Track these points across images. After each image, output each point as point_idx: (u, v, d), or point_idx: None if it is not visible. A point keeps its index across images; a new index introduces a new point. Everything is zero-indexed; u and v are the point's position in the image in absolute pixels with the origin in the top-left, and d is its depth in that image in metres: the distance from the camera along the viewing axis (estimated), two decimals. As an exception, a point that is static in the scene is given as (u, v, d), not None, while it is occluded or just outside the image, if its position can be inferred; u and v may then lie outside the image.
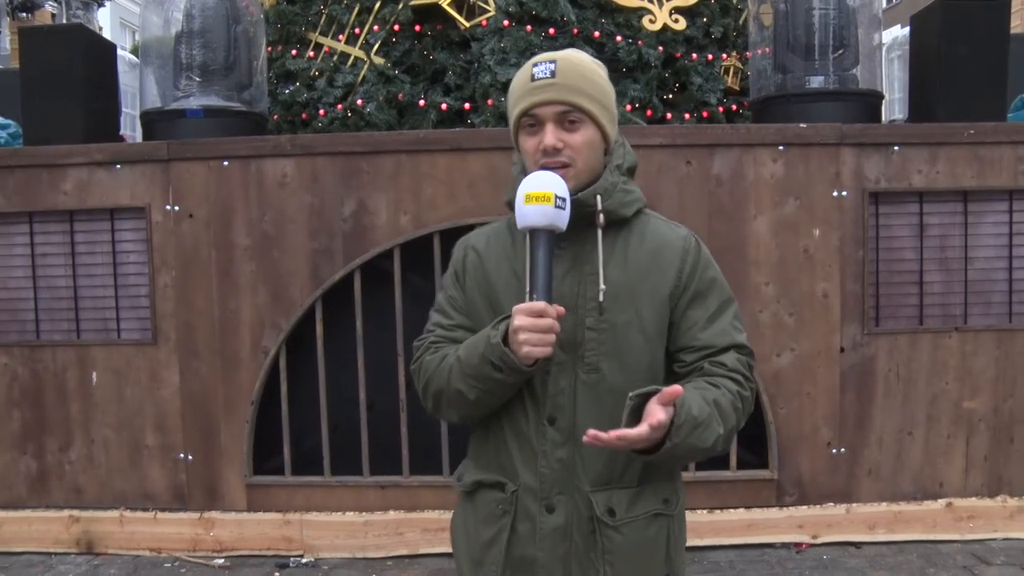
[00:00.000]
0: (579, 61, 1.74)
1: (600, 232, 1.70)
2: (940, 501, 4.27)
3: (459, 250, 1.87)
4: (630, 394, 1.57)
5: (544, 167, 1.69)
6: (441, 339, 1.81)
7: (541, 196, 1.61)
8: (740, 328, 1.81)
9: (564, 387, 1.70)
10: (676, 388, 1.53)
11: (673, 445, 1.56)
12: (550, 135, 1.69)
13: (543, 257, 1.61)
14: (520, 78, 1.75)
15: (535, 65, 1.72)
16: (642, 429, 1.51)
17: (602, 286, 1.67)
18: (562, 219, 1.62)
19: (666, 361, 1.78)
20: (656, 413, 1.52)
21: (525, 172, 1.73)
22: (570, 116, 1.70)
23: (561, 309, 1.61)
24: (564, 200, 1.62)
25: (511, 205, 1.71)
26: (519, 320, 1.58)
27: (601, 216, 1.70)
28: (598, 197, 1.70)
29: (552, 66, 1.70)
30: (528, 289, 1.63)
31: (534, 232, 1.63)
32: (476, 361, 1.66)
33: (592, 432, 1.51)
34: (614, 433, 1.51)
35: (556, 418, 1.70)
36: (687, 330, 1.75)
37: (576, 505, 1.71)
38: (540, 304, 1.58)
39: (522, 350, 1.59)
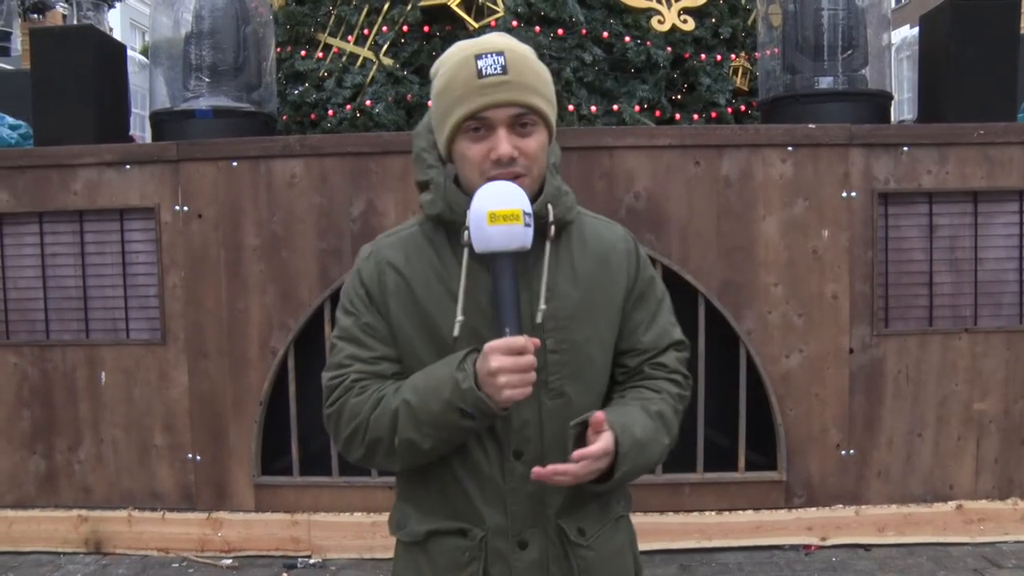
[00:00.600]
0: (525, 52, 1.52)
1: (549, 245, 1.51)
2: (950, 503, 4.25)
3: (369, 266, 1.59)
4: (571, 423, 1.49)
5: (493, 179, 1.46)
6: (364, 375, 1.55)
7: (509, 215, 1.38)
8: (674, 322, 1.71)
9: (528, 418, 1.53)
10: (599, 415, 1.45)
11: (623, 473, 1.49)
12: (504, 143, 1.46)
13: (510, 283, 1.41)
14: (461, 72, 1.47)
15: (479, 57, 1.46)
16: (584, 464, 1.43)
17: (542, 305, 1.48)
18: (529, 238, 1.42)
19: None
20: (597, 441, 1.44)
21: (457, 184, 1.54)
22: (523, 119, 1.48)
23: (537, 341, 1.42)
24: (530, 216, 1.42)
25: (442, 219, 1.55)
26: (497, 361, 1.39)
27: (552, 228, 1.51)
28: (550, 207, 1.51)
29: (502, 59, 1.46)
30: (499, 322, 1.42)
31: (497, 256, 1.41)
32: (438, 408, 1.44)
33: (538, 472, 1.43)
34: (559, 467, 1.43)
35: (522, 452, 1.54)
36: (631, 333, 1.64)
37: (547, 535, 1.58)
38: (520, 340, 1.39)
39: (502, 394, 1.40)
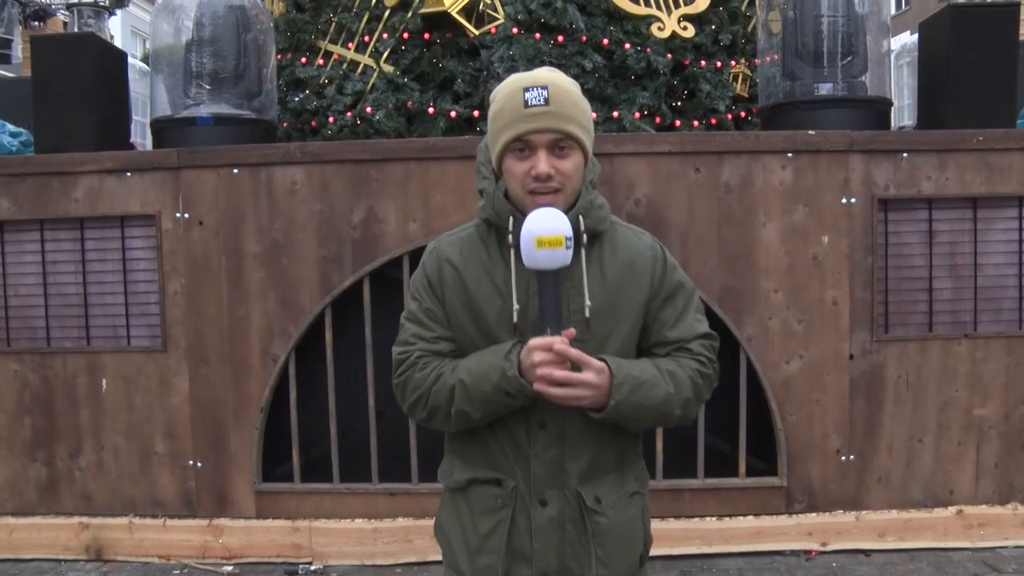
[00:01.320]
0: (568, 88, 1.79)
1: (584, 252, 1.79)
2: (951, 509, 4.25)
3: (432, 260, 1.91)
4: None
5: (533, 192, 1.76)
6: (426, 352, 1.87)
7: (554, 241, 1.66)
8: (701, 319, 1.96)
9: None
10: (568, 331, 1.72)
11: (617, 402, 1.74)
12: (543, 163, 1.75)
13: (551, 293, 1.71)
14: (511, 101, 1.77)
15: (527, 90, 1.75)
16: (578, 374, 1.72)
17: (587, 302, 1.78)
18: (569, 257, 1.70)
19: (637, 354, 1.91)
20: (589, 362, 1.72)
21: (504, 193, 1.82)
22: (561, 143, 1.76)
23: (573, 331, 1.72)
24: (571, 239, 1.69)
25: (490, 223, 1.85)
26: (539, 356, 1.70)
27: (585, 236, 1.79)
28: (580, 218, 1.79)
29: (545, 92, 1.74)
30: (541, 323, 1.73)
31: (542, 271, 1.70)
32: (488, 389, 1.76)
33: (539, 384, 1.71)
34: (565, 350, 1.69)
35: (547, 423, 1.83)
36: (659, 329, 1.90)
37: (566, 498, 1.85)
38: (556, 340, 1.69)
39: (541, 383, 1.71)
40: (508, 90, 1.80)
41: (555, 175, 1.76)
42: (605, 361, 1.76)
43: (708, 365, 1.92)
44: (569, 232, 1.68)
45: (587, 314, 1.78)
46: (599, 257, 1.85)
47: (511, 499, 1.86)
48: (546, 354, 1.70)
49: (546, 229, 1.67)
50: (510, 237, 1.78)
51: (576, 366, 1.74)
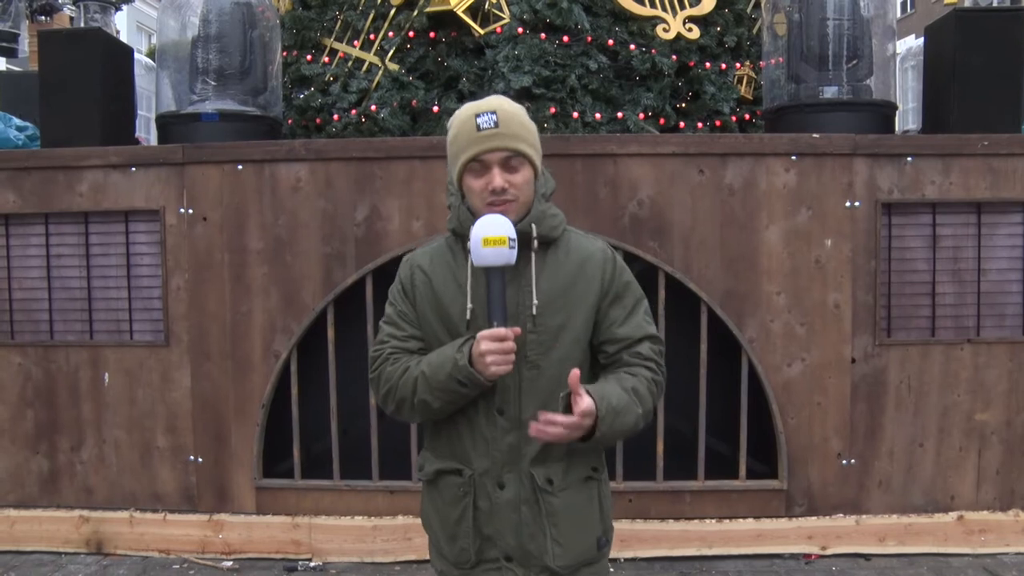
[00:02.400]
0: (514, 111, 2.01)
1: (534, 255, 2.00)
2: (951, 514, 4.24)
3: (405, 268, 2.14)
4: (561, 395, 1.91)
5: (492, 204, 1.97)
6: (397, 350, 2.08)
7: (497, 240, 1.87)
8: (650, 321, 2.12)
9: (510, 383, 1.99)
10: (575, 372, 1.87)
11: (602, 434, 1.91)
12: (498, 178, 1.96)
13: (498, 289, 1.90)
14: (465, 127, 1.99)
15: (478, 115, 1.97)
16: (572, 418, 1.86)
17: (535, 300, 1.98)
18: (513, 256, 1.90)
19: (590, 352, 2.10)
20: (580, 404, 1.86)
21: (467, 207, 2.03)
22: (512, 160, 1.98)
23: (518, 330, 1.93)
24: (514, 240, 1.89)
25: (456, 232, 2.05)
26: (485, 345, 1.88)
27: (535, 241, 2.00)
28: (533, 226, 2.00)
29: (495, 116, 1.96)
30: (489, 316, 1.91)
31: (489, 268, 1.89)
32: (443, 378, 1.95)
33: (536, 427, 1.88)
34: (554, 417, 1.86)
35: (504, 409, 2.01)
36: (608, 327, 2.07)
37: (521, 480, 2.02)
38: (502, 331, 1.88)
39: (488, 370, 1.90)
40: (461, 118, 2.02)
41: (509, 188, 1.97)
42: (592, 397, 1.89)
43: (658, 371, 2.08)
44: (512, 234, 1.89)
45: (534, 312, 1.97)
46: (554, 260, 2.05)
47: (470, 486, 2.04)
48: (492, 343, 1.88)
49: (490, 230, 1.87)
50: (469, 244, 1.94)
51: (529, 341, 1.99)
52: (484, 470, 2.03)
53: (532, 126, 2.04)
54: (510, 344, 1.90)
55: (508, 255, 1.88)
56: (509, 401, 2.01)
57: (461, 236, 2.03)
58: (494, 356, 1.88)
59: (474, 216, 1.97)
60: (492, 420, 2.02)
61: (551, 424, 1.87)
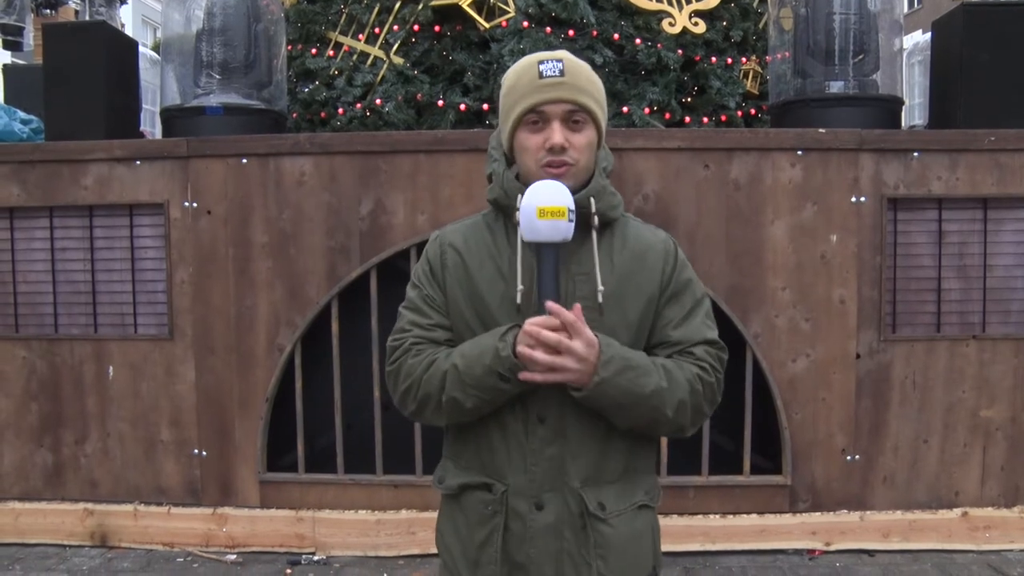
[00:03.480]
0: (582, 63, 1.77)
1: (595, 234, 1.72)
2: (956, 510, 4.24)
3: (434, 247, 1.85)
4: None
5: (548, 165, 1.71)
6: (421, 340, 1.79)
7: (556, 211, 1.61)
8: (711, 326, 1.86)
9: (553, 385, 1.68)
10: (576, 307, 1.63)
11: (601, 379, 1.63)
12: (558, 133, 1.70)
13: (551, 269, 1.64)
14: (526, 74, 1.73)
15: (541, 63, 1.71)
16: (570, 316, 1.61)
17: (600, 287, 1.69)
18: (571, 232, 1.64)
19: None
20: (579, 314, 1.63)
21: (513, 175, 1.77)
22: (575, 116, 1.72)
23: (578, 308, 1.64)
24: (574, 212, 1.64)
25: (499, 204, 1.79)
26: (531, 330, 1.61)
27: (596, 218, 1.72)
28: (591, 199, 1.73)
29: (560, 65, 1.71)
30: (538, 301, 1.64)
31: (543, 245, 1.64)
32: (480, 372, 1.66)
33: (529, 328, 1.61)
34: (559, 310, 1.60)
35: (546, 417, 1.73)
36: (662, 327, 1.80)
37: (566, 502, 1.73)
38: (555, 322, 1.61)
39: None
40: (522, 65, 1.76)
41: (569, 148, 1.71)
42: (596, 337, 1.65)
43: (711, 372, 1.79)
44: (572, 204, 1.63)
45: (600, 299, 1.69)
46: (608, 246, 1.78)
47: (501, 505, 1.75)
48: (548, 333, 1.61)
49: (548, 199, 1.62)
50: (517, 214, 1.67)
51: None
52: (519, 487, 1.74)
53: (600, 83, 1.79)
54: (562, 340, 1.61)
55: (566, 229, 1.62)
56: (551, 407, 1.72)
57: (504, 208, 1.78)
58: (536, 327, 1.61)
59: (523, 184, 1.72)
60: (532, 429, 1.73)
61: (544, 327, 1.60)
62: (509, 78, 1.78)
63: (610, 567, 1.74)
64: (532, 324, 1.61)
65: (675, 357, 1.78)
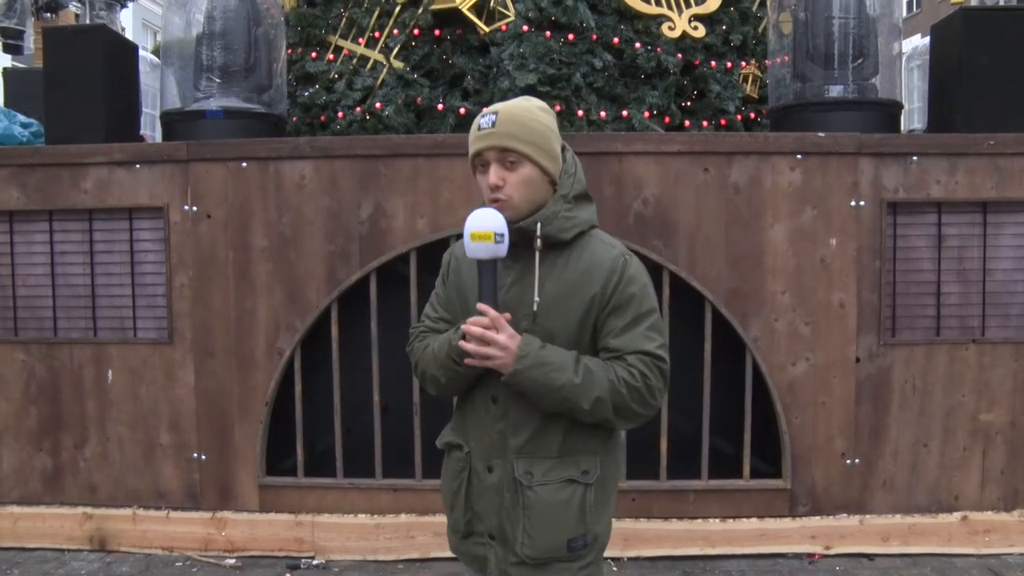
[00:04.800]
0: (518, 111, 2.07)
1: (538, 254, 2.05)
2: (955, 514, 4.23)
3: (447, 254, 2.32)
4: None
5: (493, 200, 2.06)
6: (428, 329, 2.28)
7: (483, 235, 1.97)
8: (652, 338, 2.10)
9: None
10: (505, 314, 2.04)
11: (515, 371, 2.01)
12: (493, 174, 2.05)
13: (487, 279, 2.01)
14: (472, 128, 2.10)
15: (482, 116, 2.07)
16: (492, 314, 2.02)
17: (536, 298, 2.05)
18: (502, 250, 1.98)
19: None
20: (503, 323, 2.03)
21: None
22: (508, 157, 2.04)
23: (508, 315, 2.03)
24: (503, 235, 1.98)
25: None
26: (464, 328, 2.04)
27: (539, 240, 2.05)
28: (538, 225, 2.05)
29: (493, 117, 2.05)
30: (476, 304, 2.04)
31: (480, 261, 2.00)
32: (443, 356, 2.13)
33: (466, 326, 2.03)
34: (486, 310, 2.01)
35: (497, 397, 2.12)
36: (604, 335, 2.10)
37: (506, 468, 2.12)
38: (485, 320, 2.01)
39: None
40: (475, 121, 2.11)
41: (503, 185, 2.04)
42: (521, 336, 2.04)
43: (639, 379, 2.05)
44: (499, 229, 1.97)
45: (535, 308, 2.05)
46: (564, 263, 2.09)
47: (466, 463, 2.19)
48: (476, 330, 2.02)
49: (477, 225, 1.98)
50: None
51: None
52: (477, 452, 2.17)
53: (537, 125, 2.08)
54: (486, 332, 2.00)
55: (494, 249, 1.98)
56: (501, 390, 2.10)
57: None
58: (469, 325, 2.02)
59: None
60: (487, 407, 2.14)
61: (475, 325, 2.00)
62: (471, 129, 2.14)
63: (533, 524, 2.08)
64: (468, 322, 2.03)
65: (609, 361, 2.07)
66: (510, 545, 2.11)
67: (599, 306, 2.08)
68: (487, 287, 2.02)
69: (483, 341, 2.02)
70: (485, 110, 2.11)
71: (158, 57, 5.88)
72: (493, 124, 2.05)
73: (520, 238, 2.04)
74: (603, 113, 5.15)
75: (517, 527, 2.09)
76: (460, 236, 2.07)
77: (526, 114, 2.09)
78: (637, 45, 5.25)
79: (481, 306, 2.02)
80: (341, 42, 5.48)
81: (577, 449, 2.12)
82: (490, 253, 1.98)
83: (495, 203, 2.05)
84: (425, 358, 2.21)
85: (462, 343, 2.05)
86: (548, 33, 5.17)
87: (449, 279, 2.25)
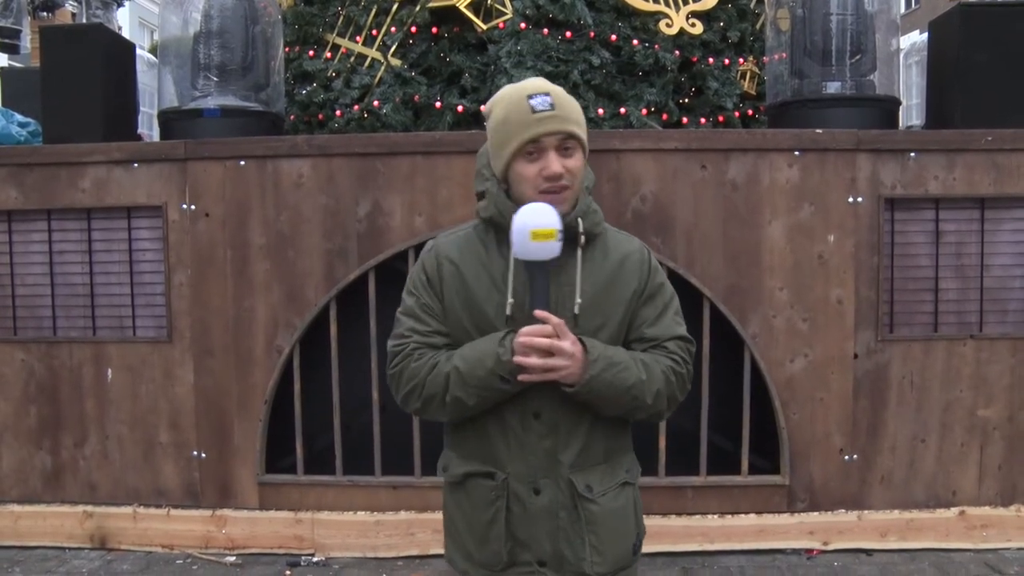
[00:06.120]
0: (565, 93, 1.94)
1: (580, 251, 1.92)
2: (953, 509, 4.24)
3: (430, 258, 2.02)
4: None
5: (547, 191, 1.88)
6: (421, 345, 1.98)
7: (547, 234, 1.78)
8: (680, 322, 2.07)
9: (545, 386, 1.89)
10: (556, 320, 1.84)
11: (590, 376, 1.85)
12: (555, 163, 1.87)
13: (543, 283, 1.85)
14: (516, 109, 1.88)
15: (531, 97, 1.88)
16: (557, 321, 1.83)
17: (578, 300, 1.90)
18: (559, 250, 1.82)
19: None
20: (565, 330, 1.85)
21: (509, 194, 1.93)
22: (566, 144, 1.89)
23: (562, 321, 1.84)
24: (562, 233, 1.82)
25: (493, 222, 1.94)
26: (526, 340, 1.83)
27: (583, 236, 1.91)
28: (580, 220, 1.92)
29: (549, 99, 1.88)
30: (529, 309, 1.85)
31: (534, 263, 1.82)
32: (482, 374, 1.88)
33: (524, 340, 1.83)
34: (548, 316, 1.82)
35: (540, 412, 1.94)
36: (638, 326, 2.01)
37: (559, 486, 1.95)
38: (548, 329, 1.82)
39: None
40: (510, 99, 1.91)
41: (565, 173, 1.88)
42: (579, 340, 1.87)
43: (682, 364, 2.01)
44: (560, 226, 1.80)
45: (576, 311, 1.89)
46: (592, 258, 1.96)
47: (503, 490, 1.96)
48: (540, 339, 1.83)
49: (539, 221, 1.78)
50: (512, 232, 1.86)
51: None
52: (518, 475, 1.96)
53: (580, 108, 1.97)
54: (554, 342, 1.83)
55: (555, 249, 1.81)
56: (545, 404, 1.93)
57: (497, 225, 1.95)
58: (530, 337, 1.83)
59: (516, 205, 1.88)
60: (528, 424, 1.94)
61: (537, 335, 1.81)
62: (498, 112, 1.92)
63: (600, 539, 1.97)
64: (526, 333, 1.83)
65: (650, 351, 1.99)
66: (570, 567, 1.97)
67: (636, 298, 2.00)
68: (541, 290, 1.84)
69: (547, 352, 1.83)
70: (521, 89, 1.92)
71: (155, 56, 5.88)
72: (552, 106, 1.87)
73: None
74: (601, 110, 5.15)
75: (581, 547, 1.96)
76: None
77: (570, 97, 1.96)
78: (635, 42, 5.26)
79: (541, 313, 1.82)
80: (339, 40, 5.48)
81: (617, 449, 2.04)
82: (551, 254, 1.81)
83: (557, 193, 1.88)
84: (435, 380, 1.93)
85: (520, 359, 1.83)
86: (546, 31, 5.18)
87: (445, 287, 1.98)
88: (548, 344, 1.82)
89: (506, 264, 1.91)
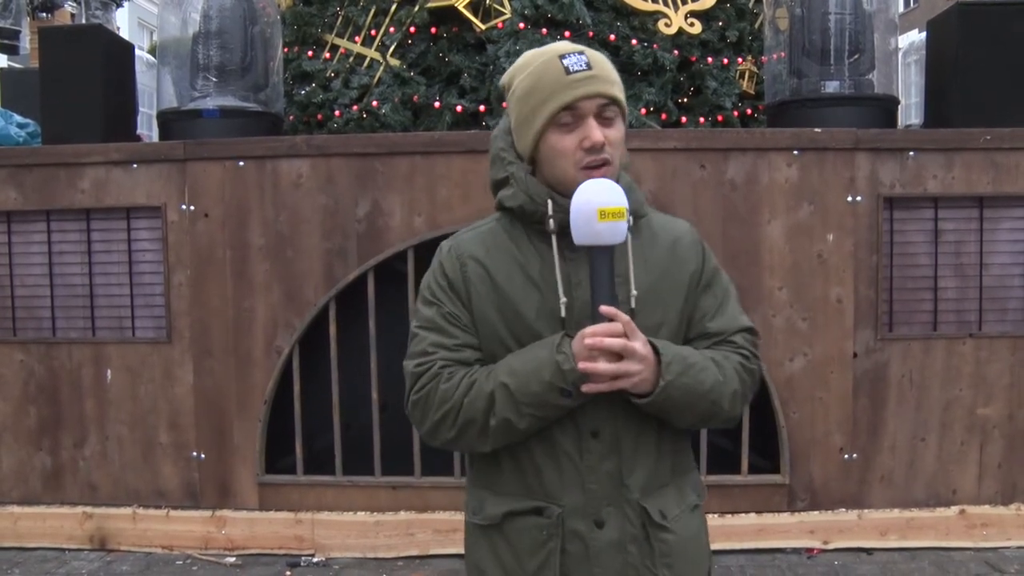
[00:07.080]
0: (600, 54, 1.65)
1: (629, 236, 1.57)
2: (953, 508, 4.24)
3: (450, 259, 1.68)
4: None
5: (588, 165, 1.57)
6: (449, 362, 1.63)
7: (617, 212, 1.49)
8: (743, 311, 1.79)
9: (602, 398, 1.58)
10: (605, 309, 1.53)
11: (667, 383, 1.55)
12: (596, 130, 1.56)
13: (607, 273, 1.53)
14: (548, 72, 1.58)
15: (563, 57, 1.58)
16: (626, 319, 1.53)
17: (634, 291, 1.58)
18: (625, 232, 1.54)
19: None
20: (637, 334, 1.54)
21: (533, 175, 1.64)
22: (607, 111, 1.59)
23: (627, 318, 1.54)
24: (631, 211, 1.55)
25: (524, 210, 1.64)
26: (592, 341, 1.51)
27: (631, 218, 1.57)
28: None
29: (585, 57, 1.58)
30: (592, 306, 1.54)
31: (595, 248, 1.52)
32: (538, 389, 1.54)
33: (589, 341, 1.50)
34: (616, 313, 1.51)
35: (599, 431, 1.62)
36: (699, 320, 1.72)
37: (626, 515, 1.64)
38: (618, 327, 1.51)
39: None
40: (539, 63, 1.61)
41: (606, 144, 1.58)
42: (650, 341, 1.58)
43: (752, 360, 1.73)
44: (627, 204, 1.52)
45: (633, 305, 1.57)
46: (639, 242, 1.65)
47: (557, 528, 1.63)
48: (611, 340, 1.51)
49: (608, 200, 1.49)
50: (551, 222, 1.58)
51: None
52: (576, 507, 1.62)
53: (617, 73, 1.67)
54: (622, 342, 1.51)
55: (623, 231, 1.51)
56: (605, 420, 1.62)
57: (527, 215, 1.64)
58: (598, 338, 1.50)
59: (548, 187, 1.61)
60: (585, 445, 1.62)
61: (606, 335, 1.50)
62: (525, 80, 1.61)
63: (676, 573, 1.67)
64: (594, 333, 1.51)
65: (716, 348, 1.70)
66: None
67: (694, 285, 1.70)
68: (605, 282, 1.53)
69: (616, 356, 1.51)
70: (550, 51, 1.62)
71: (154, 56, 5.88)
72: (589, 66, 1.57)
73: None
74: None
75: None
76: (448, 235, 1.67)
77: (604, 57, 1.64)
78: (634, 42, 5.25)
79: (608, 309, 1.50)
80: (337, 40, 5.48)
81: (682, 466, 1.76)
82: (620, 236, 1.51)
83: (599, 168, 1.57)
84: (474, 402, 1.58)
85: (587, 365, 1.50)
86: (544, 30, 5.17)
87: (473, 292, 1.64)
88: (621, 345, 1.50)
89: (542, 259, 1.61)
